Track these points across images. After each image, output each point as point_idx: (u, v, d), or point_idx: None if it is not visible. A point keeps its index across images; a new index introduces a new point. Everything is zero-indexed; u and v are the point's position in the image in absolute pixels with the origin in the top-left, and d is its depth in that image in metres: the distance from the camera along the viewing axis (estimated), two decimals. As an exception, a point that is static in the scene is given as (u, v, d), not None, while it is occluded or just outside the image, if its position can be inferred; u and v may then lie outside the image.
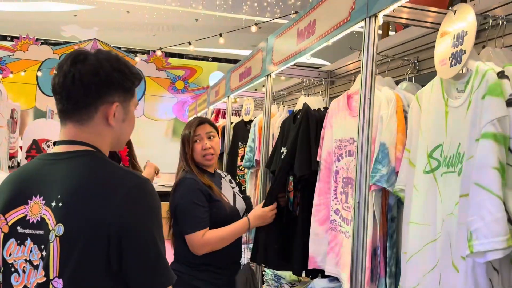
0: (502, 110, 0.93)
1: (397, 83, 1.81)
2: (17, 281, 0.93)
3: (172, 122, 9.09)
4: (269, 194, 2.01)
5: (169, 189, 1.90)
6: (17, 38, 8.30)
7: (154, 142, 8.42)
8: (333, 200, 1.86)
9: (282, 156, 2.07)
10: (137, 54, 8.95)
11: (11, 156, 5.59)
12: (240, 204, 1.92)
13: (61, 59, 1.02)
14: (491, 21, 1.35)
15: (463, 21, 1.12)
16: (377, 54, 1.95)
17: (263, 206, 1.95)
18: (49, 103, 7.89)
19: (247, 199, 1.98)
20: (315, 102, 2.19)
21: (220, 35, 4.68)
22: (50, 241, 0.88)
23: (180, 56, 10.85)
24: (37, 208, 0.92)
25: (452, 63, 1.15)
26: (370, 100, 1.39)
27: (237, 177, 3.45)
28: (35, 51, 8.28)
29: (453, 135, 1.13)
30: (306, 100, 2.19)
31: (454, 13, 1.17)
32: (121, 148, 1.11)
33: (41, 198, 0.93)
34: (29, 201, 0.94)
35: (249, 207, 1.96)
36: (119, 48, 9.29)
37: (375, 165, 1.47)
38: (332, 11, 1.68)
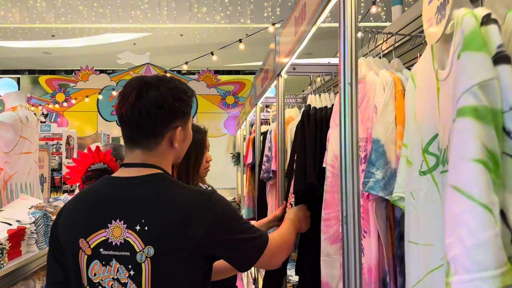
0: (485, 70, 0.59)
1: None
2: None
3: (225, 138, 9.06)
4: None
5: None
6: (79, 70, 8.88)
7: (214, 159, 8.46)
8: (342, 214, 1.54)
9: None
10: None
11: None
12: None
13: (122, 87, 1.12)
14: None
15: (445, -41, 0.80)
16: (389, 34, 1.64)
17: None
18: (107, 128, 8.29)
19: None
20: (324, 100, 1.89)
21: (240, 40, 4.51)
22: (141, 262, 0.99)
23: (237, 72, 10.91)
24: (118, 231, 1.01)
25: (438, 20, 0.83)
26: (352, 86, 1.09)
27: (268, 191, 3.20)
28: (94, 80, 8.80)
29: (445, 118, 0.80)
30: (313, 99, 1.91)
31: (437, -47, 0.85)
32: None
33: (121, 222, 1.01)
34: (109, 225, 1.02)
35: None
36: (178, 72, 9.55)
37: (368, 168, 1.15)
38: (315, -13, 1.41)
